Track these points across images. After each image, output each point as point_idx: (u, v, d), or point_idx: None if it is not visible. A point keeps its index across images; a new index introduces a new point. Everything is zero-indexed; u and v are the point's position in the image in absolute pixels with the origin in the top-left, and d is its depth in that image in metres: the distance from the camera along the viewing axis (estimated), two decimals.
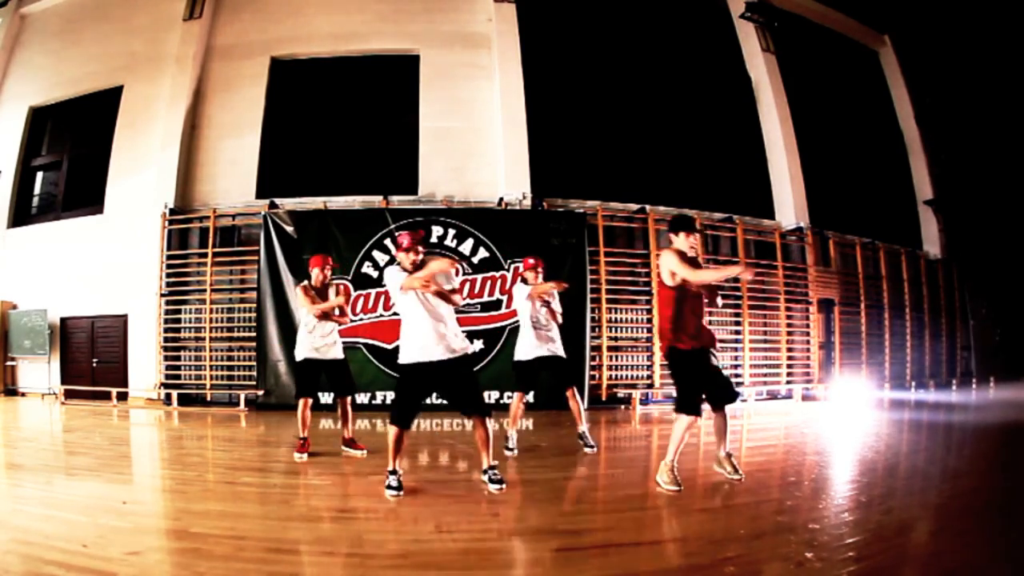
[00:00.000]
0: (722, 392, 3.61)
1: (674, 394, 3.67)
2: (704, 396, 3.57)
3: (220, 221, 8.91)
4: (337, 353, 4.79)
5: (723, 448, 3.74)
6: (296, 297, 4.80)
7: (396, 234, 3.50)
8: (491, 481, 3.46)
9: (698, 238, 3.59)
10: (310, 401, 4.75)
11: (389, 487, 3.44)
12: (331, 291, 4.73)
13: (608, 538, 2.80)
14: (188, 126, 9.29)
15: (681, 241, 3.58)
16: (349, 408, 4.84)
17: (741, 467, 3.81)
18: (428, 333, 3.37)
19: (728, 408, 3.66)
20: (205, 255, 8.75)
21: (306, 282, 4.76)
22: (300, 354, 4.75)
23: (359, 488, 3.84)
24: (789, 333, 9.72)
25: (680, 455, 3.44)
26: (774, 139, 10.45)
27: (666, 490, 3.48)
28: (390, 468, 3.51)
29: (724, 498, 3.44)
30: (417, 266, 3.39)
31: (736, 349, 9.24)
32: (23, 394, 9.71)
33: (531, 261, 4.96)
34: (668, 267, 3.50)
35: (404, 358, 3.47)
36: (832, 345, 10.29)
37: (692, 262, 3.50)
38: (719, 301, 3.73)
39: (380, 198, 8.75)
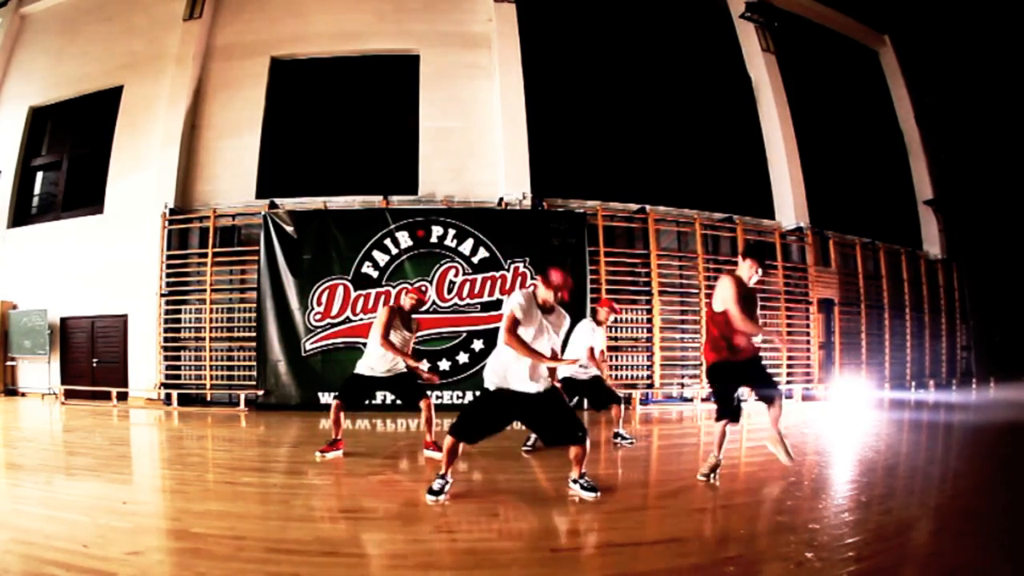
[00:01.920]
0: (763, 390, 3.82)
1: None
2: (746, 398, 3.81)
3: (220, 221, 8.91)
4: (399, 369, 4.74)
5: (775, 430, 3.88)
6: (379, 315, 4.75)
7: (551, 271, 3.31)
8: (584, 489, 3.36)
9: (759, 270, 3.73)
10: (342, 404, 4.71)
11: (430, 491, 3.31)
12: (413, 323, 4.79)
13: (608, 538, 2.80)
14: (188, 126, 9.29)
15: (746, 268, 3.74)
16: (431, 412, 4.73)
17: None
18: (521, 366, 3.25)
19: (776, 400, 3.81)
20: (205, 255, 8.75)
21: (393, 304, 4.79)
22: (357, 368, 4.75)
23: (359, 488, 3.84)
24: (789, 333, 9.72)
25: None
26: (774, 139, 10.45)
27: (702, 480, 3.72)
28: (440, 472, 3.39)
29: (724, 498, 3.44)
30: (547, 307, 3.29)
31: None
32: (23, 394, 9.71)
33: (616, 306, 5.31)
34: (722, 297, 3.66)
35: (490, 383, 3.34)
36: (832, 345, 10.29)
37: (747, 296, 3.68)
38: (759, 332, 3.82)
39: (380, 198, 8.75)
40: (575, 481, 3.43)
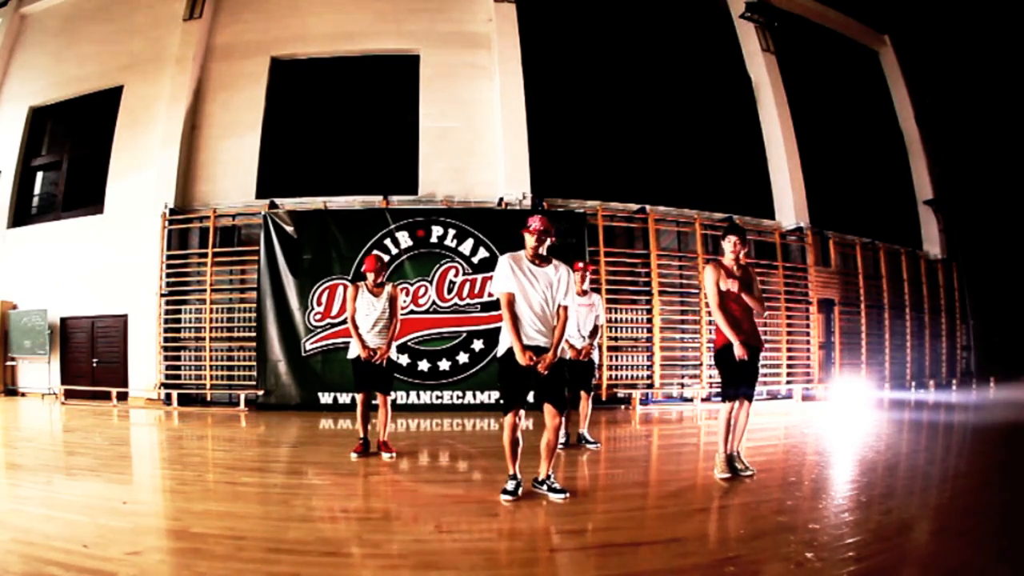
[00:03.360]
0: (744, 387, 3.88)
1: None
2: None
3: (220, 221, 8.91)
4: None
5: (735, 444, 3.93)
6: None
7: (529, 217, 3.40)
8: (552, 491, 3.33)
9: (737, 241, 3.89)
10: (365, 397, 4.70)
11: (504, 491, 3.30)
12: (386, 288, 4.77)
13: (608, 538, 2.80)
14: (188, 126, 9.29)
15: (728, 247, 3.92)
16: (387, 411, 4.73)
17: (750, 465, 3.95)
18: (526, 324, 3.31)
19: (746, 405, 3.91)
20: (205, 255, 8.75)
21: (362, 283, 4.75)
22: (352, 351, 4.73)
23: (359, 488, 3.84)
24: (789, 333, 9.72)
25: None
26: (774, 139, 10.45)
27: (720, 479, 3.74)
28: (509, 472, 3.36)
29: (724, 498, 3.44)
30: (539, 255, 3.37)
31: None
32: (23, 394, 9.71)
33: (579, 264, 5.10)
34: (706, 288, 3.94)
35: (502, 348, 3.37)
36: (832, 345, 10.29)
37: (729, 274, 3.85)
38: (763, 310, 4.00)
39: (380, 198, 8.75)
40: (541, 482, 3.40)
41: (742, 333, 3.78)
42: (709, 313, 4.13)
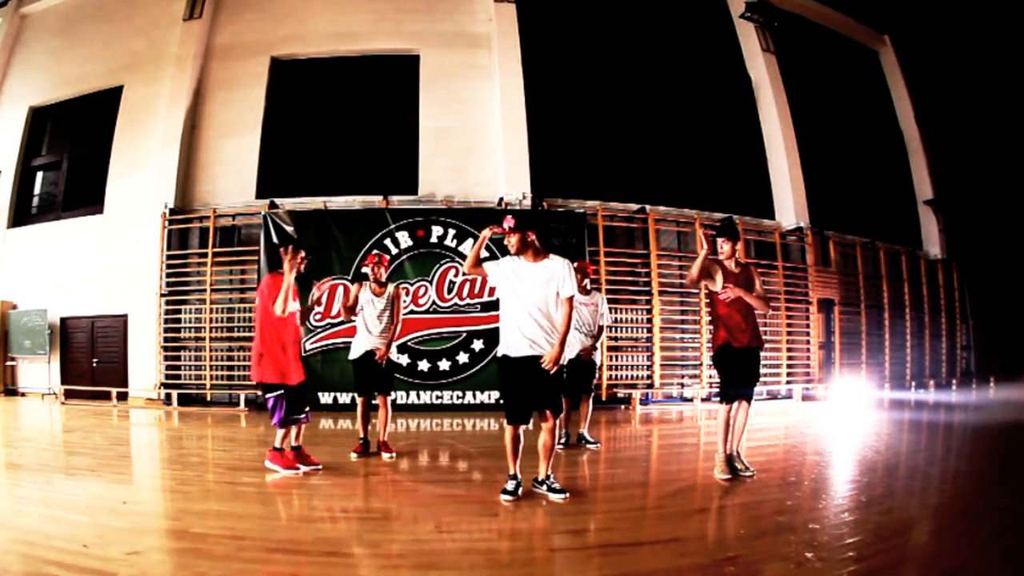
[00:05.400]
0: (743, 387, 3.86)
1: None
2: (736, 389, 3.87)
3: (220, 221, 8.91)
4: (377, 347, 4.68)
5: (734, 444, 3.91)
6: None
7: (504, 216, 3.43)
8: (551, 491, 3.35)
9: (727, 243, 3.89)
10: (365, 400, 4.70)
11: (504, 491, 3.31)
12: (388, 288, 4.77)
13: (608, 538, 2.81)
14: (188, 126, 9.29)
15: (725, 249, 3.94)
16: (387, 411, 4.73)
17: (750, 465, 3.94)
18: (516, 329, 3.27)
19: (744, 406, 3.89)
20: (205, 255, 8.74)
21: (366, 282, 4.78)
22: (353, 352, 4.72)
23: (359, 488, 3.84)
24: (789, 333, 9.72)
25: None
26: (774, 139, 10.45)
27: (720, 479, 3.73)
28: (510, 472, 3.36)
29: (724, 498, 3.44)
30: (520, 249, 3.37)
31: None
32: (23, 394, 9.71)
33: (575, 264, 4.98)
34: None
35: (500, 350, 3.39)
36: (832, 345, 10.29)
37: (719, 264, 3.87)
38: (767, 308, 4.01)
39: (380, 198, 8.74)
40: (541, 483, 3.41)
41: (741, 330, 3.78)
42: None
